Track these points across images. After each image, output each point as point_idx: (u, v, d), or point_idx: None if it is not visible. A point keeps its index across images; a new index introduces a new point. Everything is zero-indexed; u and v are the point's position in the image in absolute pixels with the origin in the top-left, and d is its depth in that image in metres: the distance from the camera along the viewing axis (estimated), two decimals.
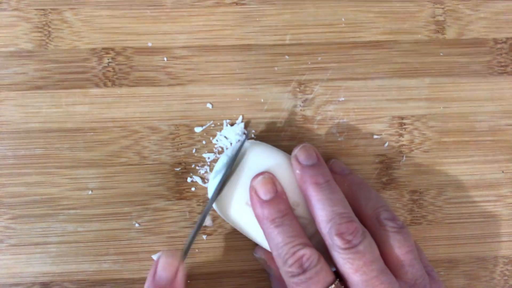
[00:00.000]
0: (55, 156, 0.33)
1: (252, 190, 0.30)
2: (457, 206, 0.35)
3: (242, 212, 0.30)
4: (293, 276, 0.27)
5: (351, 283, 0.27)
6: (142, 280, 0.33)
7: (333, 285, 0.27)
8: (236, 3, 0.35)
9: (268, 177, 0.30)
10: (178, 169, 0.34)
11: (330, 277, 0.27)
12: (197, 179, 0.34)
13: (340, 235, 0.27)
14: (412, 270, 0.29)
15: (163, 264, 0.28)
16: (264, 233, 0.29)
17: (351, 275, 0.27)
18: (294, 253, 0.28)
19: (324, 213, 0.28)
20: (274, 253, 0.29)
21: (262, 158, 0.30)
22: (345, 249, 0.27)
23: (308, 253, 0.28)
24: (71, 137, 0.33)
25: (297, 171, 0.30)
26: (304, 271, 0.27)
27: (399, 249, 0.29)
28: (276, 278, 0.32)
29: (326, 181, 0.29)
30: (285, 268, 0.28)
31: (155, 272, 0.28)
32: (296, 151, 0.30)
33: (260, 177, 0.30)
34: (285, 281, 0.29)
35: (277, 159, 0.30)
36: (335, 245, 0.28)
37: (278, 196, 0.29)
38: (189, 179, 0.34)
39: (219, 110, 0.34)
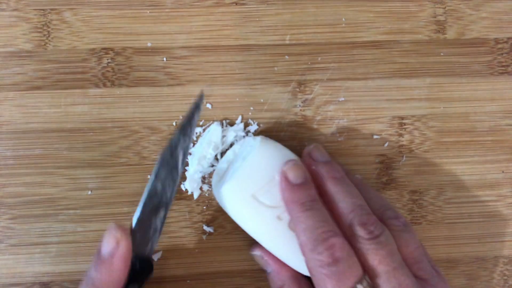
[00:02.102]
0: (55, 156, 0.33)
1: (283, 174, 0.29)
2: (457, 206, 0.35)
3: (247, 205, 0.30)
4: (323, 265, 0.27)
5: (375, 275, 0.27)
6: None
7: (364, 282, 0.27)
8: (236, 3, 0.34)
9: (299, 163, 0.30)
10: None
11: (360, 272, 0.27)
12: (187, 186, 0.33)
13: (363, 225, 0.28)
14: (423, 266, 0.29)
15: (104, 238, 0.27)
16: (292, 218, 0.29)
17: (375, 267, 0.27)
18: (325, 239, 0.27)
19: (345, 205, 0.28)
20: (302, 239, 0.28)
21: (272, 154, 0.30)
22: (369, 239, 0.27)
23: (340, 243, 0.27)
24: (71, 137, 0.33)
25: (313, 167, 0.30)
26: (335, 261, 0.26)
27: (407, 247, 0.29)
28: (274, 277, 0.32)
29: (342, 176, 0.30)
30: (314, 256, 0.27)
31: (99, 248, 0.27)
32: (310, 149, 0.31)
33: (291, 163, 0.30)
34: (310, 270, 0.28)
35: (287, 157, 0.30)
36: (358, 235, 0.27)
37: (308, 182, 0.29)
38: (182, 186, 0.34)
39: (219, 110, 0.34)
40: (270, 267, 0.32)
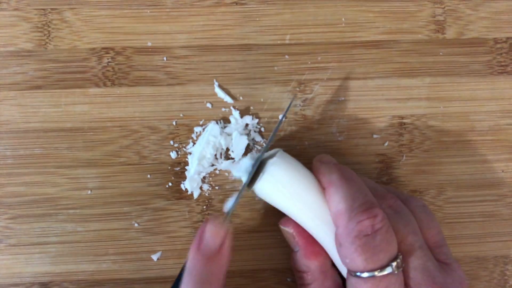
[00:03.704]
0: (55, 156, 0.33)
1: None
2: (457, 205, 0.35)
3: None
4: (360, 236, 0.25)
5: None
6: (142, 280, 0.33)
7: (398, 261, 0.26)
8: (236, 3, 0.35)
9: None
10: (177, 169, 0.34)
11: (395, 250, 0.26)
12: (187, 186, 0.33)
13: (382, 198, 0.28)
14: (444, 250, 0.28)
15: (211, 232, 0.27)
16: (330, 184, 0.28)
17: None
18: (367, 209, 0.26)
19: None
20: (340, 206, 0.27)
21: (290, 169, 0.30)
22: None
23: (381, 215, 0.26)
24: (71, 136, 0.33)
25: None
26: (375, 232, 0.25)
27: (429, 230, 0.28)
28: (299, 260, 0.30)
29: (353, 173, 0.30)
30: (352, 224, 0.26)
31: (200, 241, 0.27)
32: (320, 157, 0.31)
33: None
34: (341, 241, 0.26)
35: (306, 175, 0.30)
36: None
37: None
38: (182, 186, 0.34)
39: (219, 110, 0.34)
40: (298, 250, 0.30)
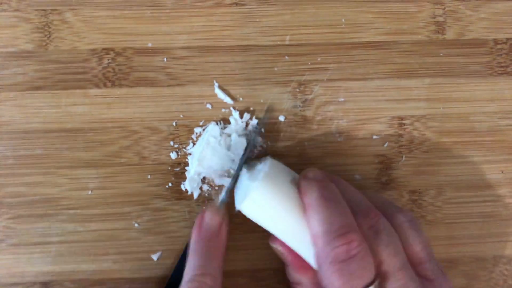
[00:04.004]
0: (55, 156, 0.33)
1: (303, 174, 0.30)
2: (456, 206, 0.35)
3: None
4: (335, 261, 0.25)
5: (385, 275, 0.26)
6: (142, 280, 0.33)
7: (376, 284, 0.25)
8: (236, 4, 0.35)
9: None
10: (177, 169, 0.34)
11: (372, 275, 0.26)
12: (187, 186, 0.34)
13: (365, 216, 0.28)
14: (428, 266, 0.28)
15: (210, 215, 0.31)
16: (309, 206, 0.27)
17: (376, 265, 0.26)
18: (343, 234, 0.25)
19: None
20: (316, 230, 0.26)
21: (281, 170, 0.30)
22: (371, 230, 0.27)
23: (358, 240, 0.25)
24: (71, 137, 0.33)
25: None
26: (350, 258, 0.25)
27: (413, 246, 0.28)
28: (291, 273, 0.30)
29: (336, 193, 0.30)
30: (327, 249, 0.26)
31: (200, 224, 0.31)
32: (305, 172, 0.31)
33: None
34: (319, 264, 0.26)
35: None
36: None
37: (327, 179, 0.29)
38: (182, 186, 0.34)
39: (219, 111, 0.34)
40: (289, 263, 0.30)
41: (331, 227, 0.26)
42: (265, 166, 0.30)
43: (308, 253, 0.28)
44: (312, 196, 0.28)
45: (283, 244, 0.30)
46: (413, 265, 0.27)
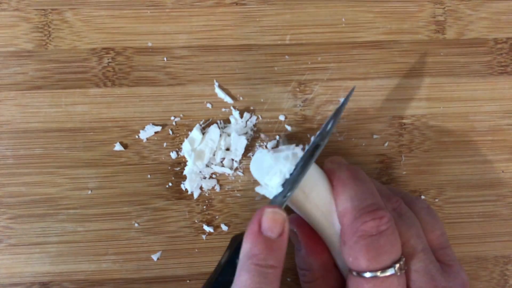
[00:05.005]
0: (55, 156, 0.33)
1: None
2: (457, 206, 0.35)
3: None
4: (364, 236, 0.25)
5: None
6: (142, 280, 0.33)
7: (401, 263, 0.26)
8: (236, 3, 0.35)
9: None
10: (177, 169, 0.34)
11: (399, 252, 0.26)
12: (187, 186, 0.33)
13: (388, 200, 0.28)
14: (448, 252, 0.28)
15: (272, 218, 0.26)
16: (339, 184, 0.27)
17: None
18: (374, 210, 0.26)
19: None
20: (346, 205, 0.27)
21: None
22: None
23: (388, 217, 0.26)
24: (71, 137, 0.33)
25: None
26: (380, 233, 0.25)
27: (433, 232, 0.28)
28: (302, 259, 0.30)
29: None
30: (356, 224, 0.26)
31: (259, 227, 0.26)
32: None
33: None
34: (346, 240, 0.26)
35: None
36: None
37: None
38: (182, 186, 0.34)
39: (219, 110, 0.34)
40: (301, 248, 0.30)
41: (361, 203, 0.26)
42: (295, 149, 0.29)
43: (331, 229, 0.28)
44: (342, 175, 0.28)
45: (299, 225, 0.29)
46: (432, 249, 0.28)
